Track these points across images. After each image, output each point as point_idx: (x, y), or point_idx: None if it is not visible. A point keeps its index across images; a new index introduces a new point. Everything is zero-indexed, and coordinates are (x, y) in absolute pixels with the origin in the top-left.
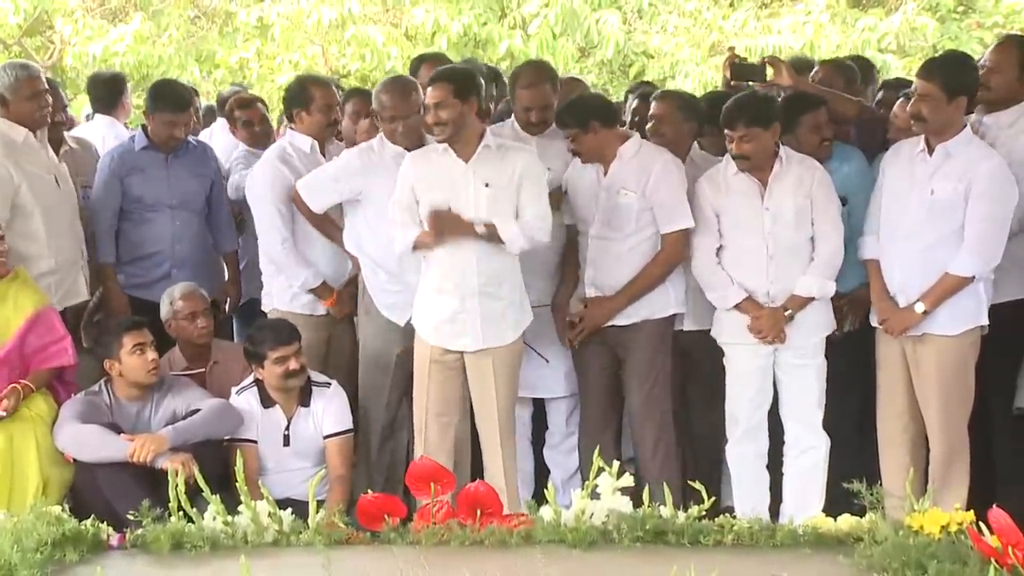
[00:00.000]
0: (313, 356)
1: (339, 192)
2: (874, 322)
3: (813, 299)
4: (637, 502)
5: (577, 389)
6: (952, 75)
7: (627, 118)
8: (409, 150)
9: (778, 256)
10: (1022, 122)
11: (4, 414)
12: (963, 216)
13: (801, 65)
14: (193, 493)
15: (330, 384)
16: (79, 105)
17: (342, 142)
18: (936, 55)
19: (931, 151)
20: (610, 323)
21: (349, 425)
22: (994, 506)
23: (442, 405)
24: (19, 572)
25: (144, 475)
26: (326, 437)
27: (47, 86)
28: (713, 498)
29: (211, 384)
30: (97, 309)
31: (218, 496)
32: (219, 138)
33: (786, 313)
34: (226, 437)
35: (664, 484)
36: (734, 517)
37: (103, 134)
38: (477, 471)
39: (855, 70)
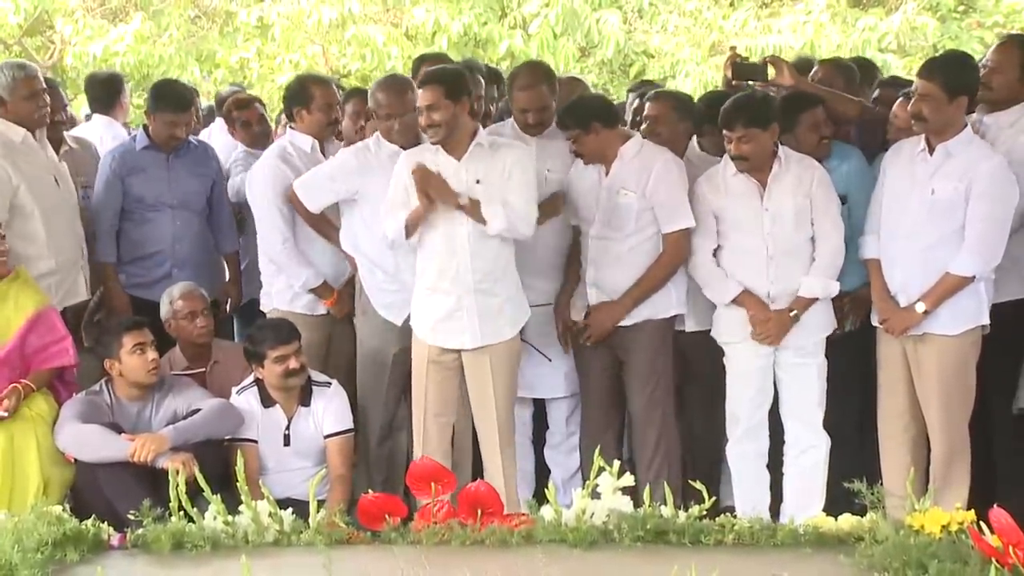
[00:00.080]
0: (313, 356)
1: (335, 192)
2: (875, 322)
3: (817, 299)
4: (637, 502)
5: (577, 389)
6: (953, 75)
7: (628, 117)
8: (405, 148)
9: (778, 256)
10: (1023, 122)
11: (5, 414)
12: (964, 216)
13: (803, 65)
14: (194, 493)
15: (330, 384)
16: (79, 105)
17: (342, 142)
18: (937, 55)
19: (932, 151)
20: None
21: (350, 425)
22: (995, 506)
23: (440, 405)
24: (20, 572)
25: (145, 475)
26: (326, 437)
27: (46, 86)
28: (713, 498)
29: (211, 384)
30: (98, 309)
31: (219, 496)
32: (217, 139)
33: (791, 314)
34: (227, 437)
35: (664, 484)
36: (734, 517)
37: (101, 134)
38: (477, 471)
39: (855, 70)
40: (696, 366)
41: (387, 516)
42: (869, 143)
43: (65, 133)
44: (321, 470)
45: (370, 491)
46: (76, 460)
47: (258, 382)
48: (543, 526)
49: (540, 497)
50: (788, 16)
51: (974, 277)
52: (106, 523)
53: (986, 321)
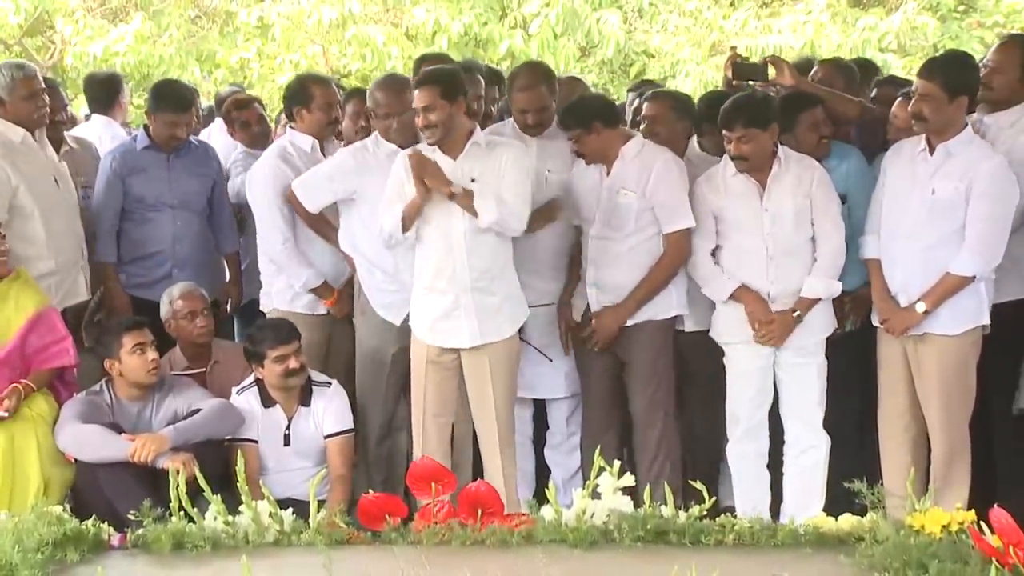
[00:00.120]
0: (313, 356)
1: (334, 191)
2: (875, 321)
3: (820, 300)
4: (637, 502)
5: (578, 389)
6: (953, 75)
7: (628, 117)
8: (403, 147)
9: (778, 257)
10: (1023, 122)
11: (6, 414)
12: (964, 216)
13: (805, 66)
14: (194, 493)
15: (331, 384)
16: (79, 105)
17: (342, 142)
18: (937, 55)
19: (932, 151)
20: None
21: (350, 425)
22: (995, 506)
23: (439, 406)
24: (20, 572)
25: (145, 475)
26: (327, 437)
27: (47, 86)
28: (713, 498)
29: (212, 384)
30: (98, 309)
31: (219, 496)
32: (217, 139)
33: (795, 315)
34: (227, 437)
35: (665, 484)
36: (734, 517)
37: (99, 134)
38: (478, 471)
39: (855, 70)
40: (695, 366)
41: (387, 516)
42: (869, 143)
43: (66, 133)
44: (321, 470)
45: (370, 491)
46: (76, 460)
47: (258, 382)
48: (543, 526)
49: (540, 497)
50: (788, 16)
51: (974, 277)
52: (106, 523)
53: (986, 321)
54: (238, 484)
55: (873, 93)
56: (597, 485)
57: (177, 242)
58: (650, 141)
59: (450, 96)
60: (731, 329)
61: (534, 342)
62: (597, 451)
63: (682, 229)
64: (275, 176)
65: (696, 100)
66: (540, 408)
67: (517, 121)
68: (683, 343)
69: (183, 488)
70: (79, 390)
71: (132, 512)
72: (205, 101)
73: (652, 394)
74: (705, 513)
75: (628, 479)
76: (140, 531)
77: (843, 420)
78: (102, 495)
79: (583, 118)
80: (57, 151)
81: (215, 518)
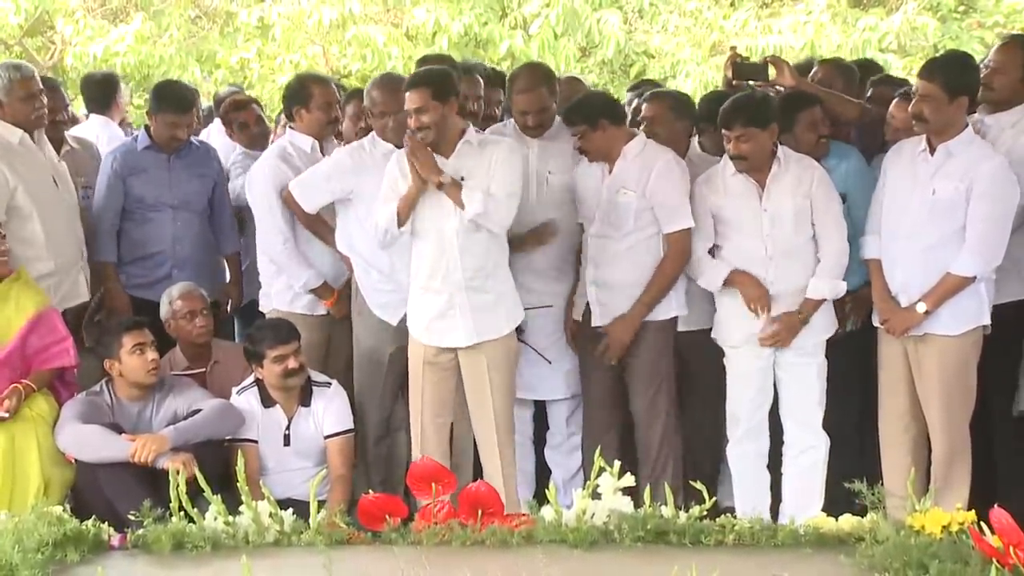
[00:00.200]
0: (313, 356)
1: (331, 191)
2: (876, 322)
3: (825, 300)
4: (637, 502)
5: (578, 390)
6: (953, 75)
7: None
8: (399, 147)
9: (777, 257)
10: None
11: (6, 414)
12: (964, 216)
13: (805, 67)
14: (194, 493)
15: (330, 384)
16: (79, 105)
17: (342, 142)
18: (937, 55)
19: (932, 151)
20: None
21: (350, 425)
22: (995, 506)
23: (438, 407)
24: (20, 572)
25: (145, 475)
26: (327, 437)
27: (47, 86)
28: (714, 498)
29: (212, 384)
30: (98, 309)
31: (219, 496)
32: (215, 140)
33: (800, 317)
34: (227, 437)
35: (665, 484)
36: (734, 517)
37: (97, 133)
38: (478, 471)
39: (855, 70)
40: (695, 366)
41: (387, 516)
42: (869, 144)
43: (66, 133)
44: (321, 470)
45: (370, 491)
46: (76, 460)
47: (258, 382)
48: (543, 526)
49: (540, 497)
50: (788, 16)
51: (975, 277)
52: (106, 523)
53: (987, 321)
54: (238, 484)
55: (869, 92)
56: (597, 485)
57: (177, 242)
58: (652, 141)
59: (442, 97)
60: (732, 331)
61: (533, 343)
62: (597, 451)
63: (682, 229)
64: (275, 176)
65: (697, 100)
66: (540, 408)
67: (518, 122)
68: (683, 343)
69: (183, 488)
70: (79, 390)
71: (132, 512)
72: (205, 101)
73: (653, 395)
74: (705, 513)
75: (628, 479)
76: (140, 531)
77: (843, 420)
78: (102, 495)
79: (590, 115)
80: (58, 151)
81: (215, 518)
